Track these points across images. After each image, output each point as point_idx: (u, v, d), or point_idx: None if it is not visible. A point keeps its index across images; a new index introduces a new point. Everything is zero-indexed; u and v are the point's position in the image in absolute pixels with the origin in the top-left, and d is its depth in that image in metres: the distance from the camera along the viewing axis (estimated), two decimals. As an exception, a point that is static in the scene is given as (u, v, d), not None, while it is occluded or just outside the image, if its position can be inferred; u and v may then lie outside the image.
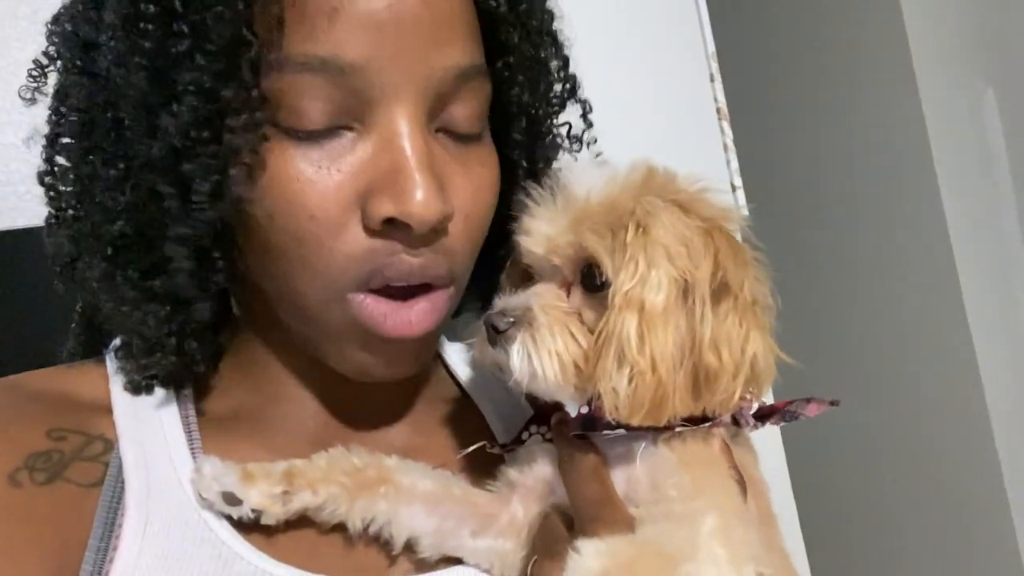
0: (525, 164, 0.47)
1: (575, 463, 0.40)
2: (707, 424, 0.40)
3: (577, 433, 0.40)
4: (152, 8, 0.35)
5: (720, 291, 0.39)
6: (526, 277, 0.44)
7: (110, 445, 0.41)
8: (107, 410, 0.42)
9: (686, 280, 0.38)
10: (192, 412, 0.44)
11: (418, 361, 0.44)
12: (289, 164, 0.37)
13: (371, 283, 0.39)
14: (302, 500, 0.40)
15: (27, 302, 0.65)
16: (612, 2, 1.19)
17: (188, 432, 0.42)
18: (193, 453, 0.42)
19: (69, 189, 0.41)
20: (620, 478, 0.40)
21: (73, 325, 0.47)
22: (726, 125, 1.37)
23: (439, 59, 0.38)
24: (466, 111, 0.41)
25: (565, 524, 0.40)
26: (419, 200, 0.37)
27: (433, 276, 0.40)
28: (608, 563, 0.33)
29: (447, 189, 0.39)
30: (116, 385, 0.43)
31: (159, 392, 0.44)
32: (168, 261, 0.39)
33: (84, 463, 0.40)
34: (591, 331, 0.39)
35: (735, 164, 1.36)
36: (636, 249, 0.38)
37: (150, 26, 0.35)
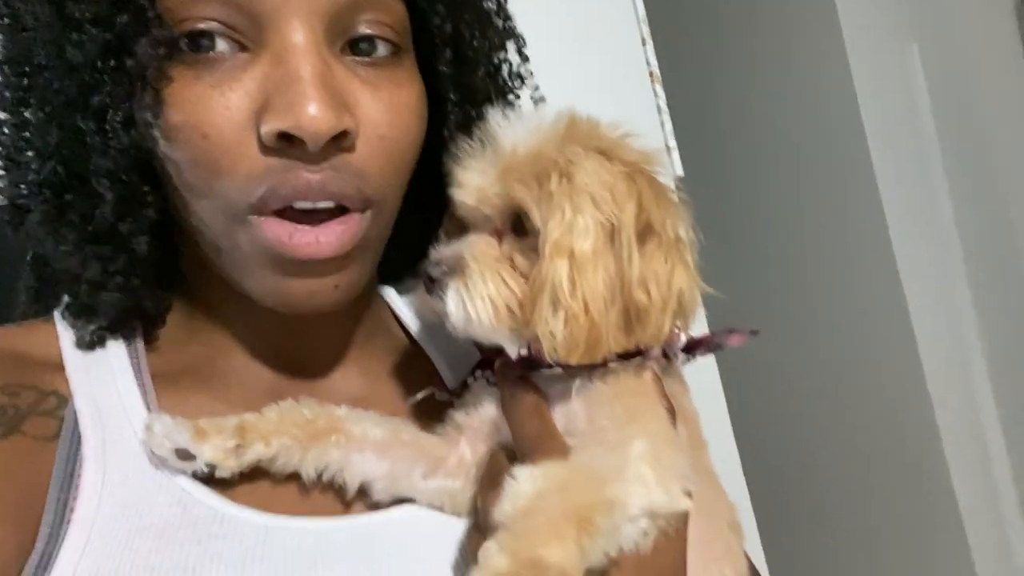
0: (453, 99, 0.47)
1: (517, 402, 0.42)
2: (639, 359, 0.43)
3: (518, 374, 0.43)
4: None
5: (645, 232, 0.41)
6: (463, 229, 0.45)
7: (64, 400, 0.41)
8: (58, 367, 0.43)
9: (612, 224, 0.40)
10: (144, 366, 0.44)
11: (339, 291, 0.43)
12: (187, 86, 0.38)
13: (271, 204, 0.39)
14: (255, 452, 0.41)
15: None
16: (544, -32, 1.21)
17: (142, 385, 0.43)
18: (148, 406, 0.42)
19: (9, 139, 0.42)
20: (559, 413, 0.42)
21: (23, 279, 0.47)
22: (659, 88, 1.38)
23: None
24: (372, 29, 0.41)
25: (510, 461, 0.42)
26: (311, 113, 0.37)
27: (338, 195, 0.40)
28: (541, 486, 0.35)
29: (349, 106, 0.39)
30: (67, 342, 0.44)
31: (111, 347, 0.44)
32: (98, 197, 0.40)
33: (40, 418, 0.40)
34: (523, 276, 0.41)
35: (669, 126, 1.37)
36: (562, 197, 0.40)
37: None
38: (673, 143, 1.38)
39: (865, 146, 2.04)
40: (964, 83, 2.25)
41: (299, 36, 0.38)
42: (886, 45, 2.14)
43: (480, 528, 0.40)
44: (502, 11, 0.51)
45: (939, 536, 2.17)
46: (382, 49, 0.42)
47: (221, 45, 0.38)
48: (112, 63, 0.38)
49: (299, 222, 0.40)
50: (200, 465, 0.40)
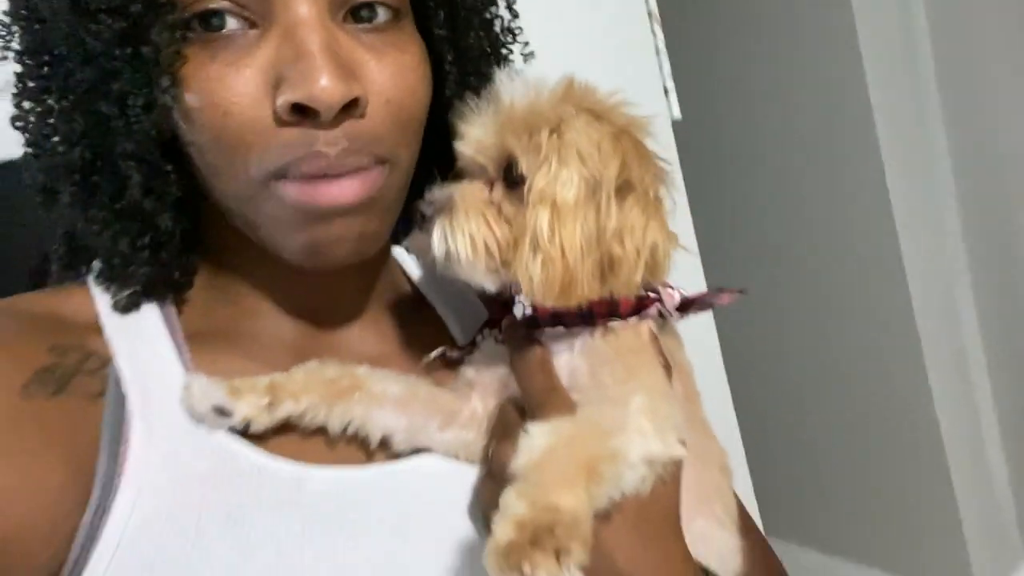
0: (450, 59, 0.49)
1: (524, 358, 0.46)
2: (637, 318, 0.46)
3: (524, 333, 0.46)
4: None
5: (624, 188, 0.44)
6: (461, 179, 0.48)
7: (105, 361, 0.43)
8: (96, 329, 0.45)
9: (595, 178, 0.43)
10: (177, 327, 0.47)
11: (363, 240, 0.45)
12: (203, 67, 0.40)
13: (290, 174, 0.41)
14: (285, 409, 0.44)
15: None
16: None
17: (176, 346, 0.46)
18: (184, 365, 0.45)
19: (35, 127, 0.44)
20: (563, 369, 0.45)
21: (55, 247, 0.49)
22: (658, 28, 1.37)
23: None
24: None
25: (518, 414, 0.46)
26: (322, 84, 0.39)
27: (354, 166, 0.42)
28: (553, 440, 0.38)
29: (357, 74, 0.41)
30: (103, 306, 0.46)
31: (145, 310, 0.46)
32: (125, 178, 0.42)
33: (85, 377, 0.42)
34: (507, 222, 0.44)
35: (667, 68, 1.37)
36: (550, 151, 0.43)
37: None
38: (671, 85, 1.38)
39: (864, 84, 2.03)
40: (966, 24, 2.21)
41: (304, 10, 0.40)
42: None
43: (491, 475, 0.44)
44: None
45: (924, 470, 2.26)
46: (382, 15, 0.43)
47: (231, 23, 0.40)
48: (129, 50, 0.39)
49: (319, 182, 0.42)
50: (236, 421, 0.43)
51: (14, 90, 0.45)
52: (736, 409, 1.37)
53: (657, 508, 0.42)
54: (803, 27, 2.11)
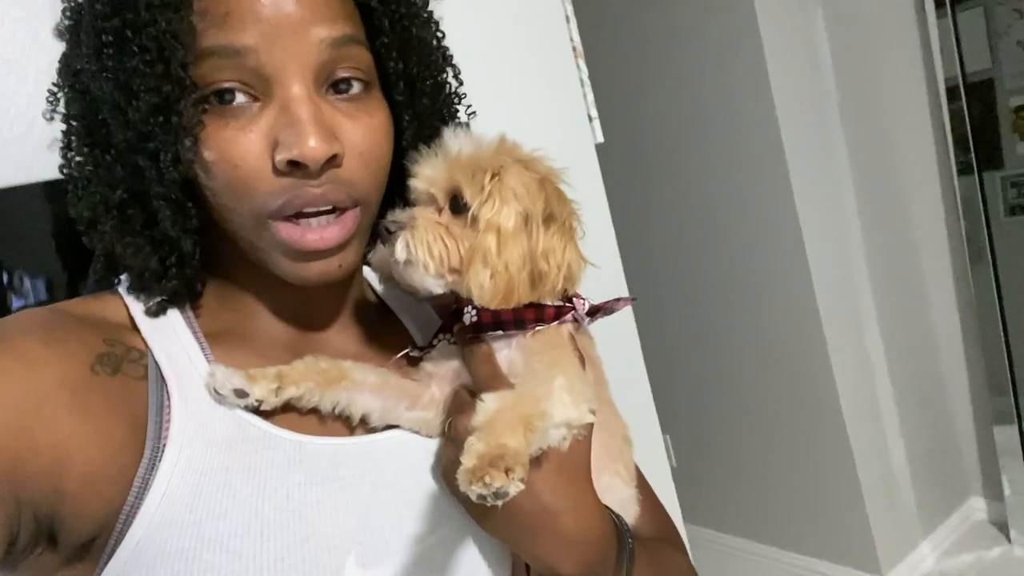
0: (407, 118, 0.60)
1: (473, 353, 0.59)
2: (557, 322, 0.59)
3: (472, 334, 0.59)
4: (111, 38, 0.50)
5: (548, 219, 0.58)
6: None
7: (142, 353, 0.54)
8: (132, 328, 0.55)
9: (527, 212, 0.57)
10: (197, 328, 0.58)
11: (342, 268, 0.56)
12: (218, 131, 0.52)
13: (285, 211, 0.52)
14: (289, 392, 0.55)
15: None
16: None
17: (199, 342, 0.57)
18: (206, 357, 0.55)
19: (80, 175, 0.56)
20: (504, 361, 0.58)
21: (93, 264, 0.60)
22: (581, 62, 1.49)
23: (314, 35, 0.51)
24: (347, 73, 0.54)
25: (469, 396, 0.58)
26: (311, 145, 0.50)
27: (333, 201, 0.53)
28: (500, 404, 0.51)
29: (336, 135, 0.52)
30: (136, 310, 0.56)
31: (170, 314, 0.57)
32: (156, 213, 0.54)
33: (131, 364, 0.53)
34: (453, 239, 0.57)
35: (591, 97, 1.49)
36: (494, 191, 0.56)
37: (111, 50, 0.50)
38: (594, 112, 1.51)
39: (771, 99, 2.19)
40: (864, 46, 2.40)
41: (296, 89, 0.51)
42: (793, 11, 2.28)
43: (449, 439, 0.57)
44: (440, 45, 0.65)
45: (830, 457, 2.44)
46: (356, 87, 0.56)
47: (240, 98, 0.52)
48: (161, 119, 0.50)
49: (308, 222, 0.54)
50: (251, 401, 0.54)
51: (60, 144, 0.57)
52: (656, 403, 1.51)
53: (573, 459, 0.55)
54: (714, 56, 2.28)
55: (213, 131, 0.52)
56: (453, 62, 0.67)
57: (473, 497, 0.46)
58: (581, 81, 1.51)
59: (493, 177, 0.57)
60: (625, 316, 1.47)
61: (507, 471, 0.46)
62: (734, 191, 2.35)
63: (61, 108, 0.56)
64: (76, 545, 0.48)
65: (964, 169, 2.34)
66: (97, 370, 0.51)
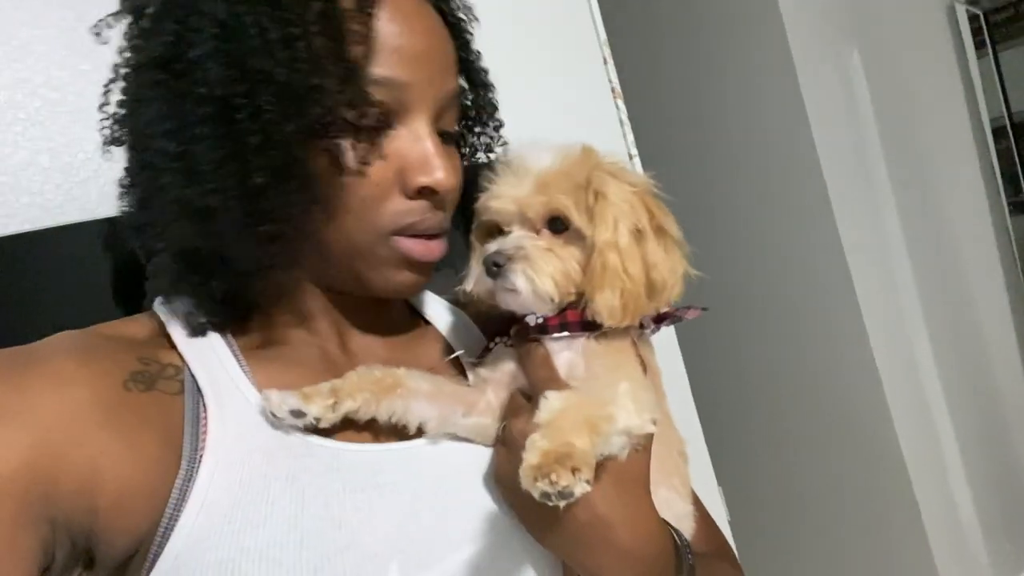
0: (464, 151, 0.68)
1: (531, 356, 0.57)
2: (624, 326, 0.57)
3: (532, 337, 0.57)
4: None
5: (658, 232, 0.57)
6: (490, 233, 0.60)
7: (179, 369, 0.54)
8: (169, 346, 0.56)
9: (636, 226, 0.56)
10: (234, 344, 0.58)
11: (429, 278, 0.61)
12: (355, 154, 0.54)
13: (406, 232, 0.57)
14: (346, 406, 0.54)
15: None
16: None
17: (236, 357, 0.56)
18: (243, 370, 0.55)
19: (145, 225, 0.57)
20: (563, 364, 0.56)
21: (147, 288, 0.60)
22: (620, 103, 1.51)
23: (447, 83, 0.58)
24: (451, 119, 0.60)
25: (526, 400, 0.56)
26: (442, 175, 0.56)
27: (442, 227, 0.59)
28: (565, 404, 0.49)
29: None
30: (174, 329, 0.56)
31: (210, 335, 0.57)
32: (215, 260, 0.55)
33: (166, 380, 0.53)
34: (561, 260, 0.56)
35: (631, 136, 1.50)
36: (603, 209, 0.56)
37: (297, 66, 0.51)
38: (635, 151, 1.51)
39: (812, 144, 2.18)
40: (903, 89, 2.39)
41: (426, 121, 0.56)
42: (829, 56, 2.29)
43: (505, 443, 0.55)
44: (491, 87, 0.69)
45: (888, 483, 2.32)
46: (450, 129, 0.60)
47: (378, 121, 0.55)
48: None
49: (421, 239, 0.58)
50: (309, 420, 0.52)
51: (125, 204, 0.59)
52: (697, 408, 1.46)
53: (632, 470, 0.53)
54: (755, 95, 2.29)
55: (351, 152, 0.55)
56: (495, 103, 0.71)
57: (536, 495, 0.44)
58: (620, 121, 1.52)
59: (596, 196, 0.56)
60: (672, 354, 1.44)
61: (573, 470, 0.44)
62: (781, 240, 2.31)
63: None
64: (114, 563, 0.48)
65: (1018, 208, 2.29)
66: (130, 387, 0.51)
